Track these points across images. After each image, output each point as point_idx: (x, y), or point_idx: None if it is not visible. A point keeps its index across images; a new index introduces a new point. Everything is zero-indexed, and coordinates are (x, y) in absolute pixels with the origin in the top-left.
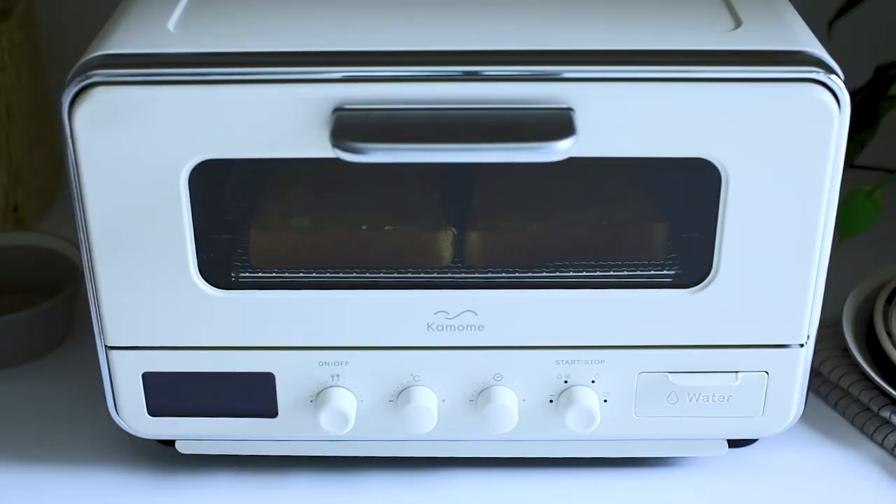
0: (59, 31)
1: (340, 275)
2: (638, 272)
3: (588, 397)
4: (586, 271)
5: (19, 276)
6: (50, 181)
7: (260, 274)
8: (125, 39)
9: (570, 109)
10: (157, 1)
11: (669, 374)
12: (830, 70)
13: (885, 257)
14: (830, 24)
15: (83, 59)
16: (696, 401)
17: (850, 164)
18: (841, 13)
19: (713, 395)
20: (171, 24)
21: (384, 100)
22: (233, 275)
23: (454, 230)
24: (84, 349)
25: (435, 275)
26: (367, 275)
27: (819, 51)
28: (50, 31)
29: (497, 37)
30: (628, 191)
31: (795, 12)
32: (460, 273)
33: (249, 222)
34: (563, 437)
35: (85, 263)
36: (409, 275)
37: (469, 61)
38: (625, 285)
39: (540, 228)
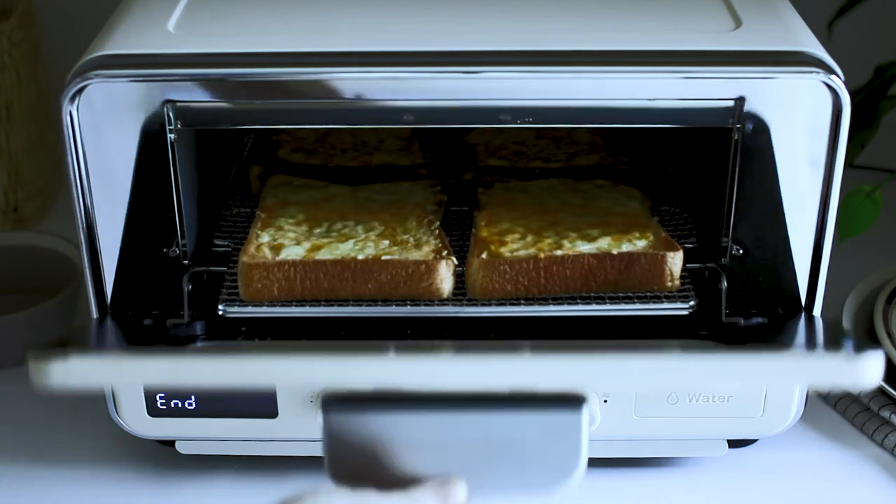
0: (59, 31)
1: (336, 308)
2: (649, 306)
3: (588, 397)
4: (595, 304)
5: (19, 276)
6: (50, 181)
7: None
8: (125, 39)
9: None
10: (157, 1)
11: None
12: (830, 70)
13: (885, 257)
14: (830, 24)
15: (83, 59)
16: (696, 401)
17: (850, 164)
18: (841, 13)
19: (713, 396)
20: (171, 24)
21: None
22: (220, 308)
23: (454, 260)
24: None
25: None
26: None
27: (819, 51)
28: (50, 31)
29: (497, 37)
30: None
31: (795, 12)
32: (461, 306)
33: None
34: None
35: (85, 263)
36: (408, 308)
37: (469, 61)
38: (631, 320)
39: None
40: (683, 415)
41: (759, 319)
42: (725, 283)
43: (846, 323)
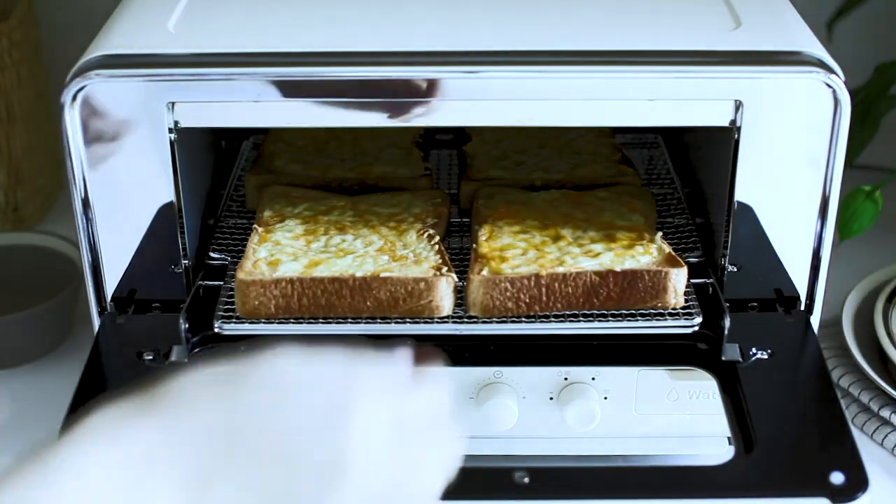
0: (59, 31)
1: (334, 325)
2: (652, 323)
3: (588, 394)
4: (598, 321)
5: (19, 276)
6: (50, 181)
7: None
8: (125, 39)
9: None
10: (157, 1)
11: (670, 371)
12: (830, 70)
13: (885, 257)
14: (830, 24)
15: (83, 59)
16: (697, 398)
17: (850, 164)
18: (841, 13)
19: (713, 393)
20: (171, 24)
21: None
22: (217, 325)
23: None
24: (84, 349)
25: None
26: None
27: (819, 51)
28: (50, 31)
29: (497, 37)
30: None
31: (795, 12)
32: (461, 323)
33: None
34: (564, 434)
35: (85, 263)
36: (408, 325)
37: (469, 61)
38: (634, 337)
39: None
40: (684, 412)
41: (761, 354)
42: (726, 305)
43: (846, 323)
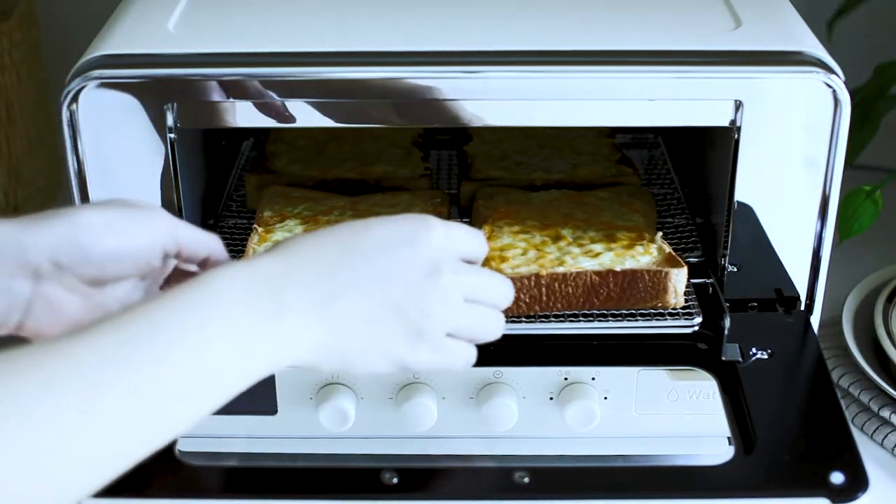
0: (59, 31)
1: None
2: (652, 323)
3: (588, 395)
4: (598, 321)
5: None
6: (50, 181)
7: None
8: (125, 39)
9: None
10: (157, 1)
11: (670, 371)
12: (830, 70)
13: (885, 257)
14: (830, 24)
15: (83, 59)
16: (697, 398)
17: (850, 164)
18: (841, 13)
19: (713, 393)
20: (171, 24)
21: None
22: None
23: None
24: None
25: None
26: None
27: (819, 51)
28: (50, 31)
29: (497, 37)
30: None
31: (795, 12)
32: None
33: None
34: (563, 434)
35: None
36: None
37: (469, 61)
38: (634, 337)
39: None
40: (684, 412)
41: (761, 354)
42: (726, 305)
43: (846, 323)
